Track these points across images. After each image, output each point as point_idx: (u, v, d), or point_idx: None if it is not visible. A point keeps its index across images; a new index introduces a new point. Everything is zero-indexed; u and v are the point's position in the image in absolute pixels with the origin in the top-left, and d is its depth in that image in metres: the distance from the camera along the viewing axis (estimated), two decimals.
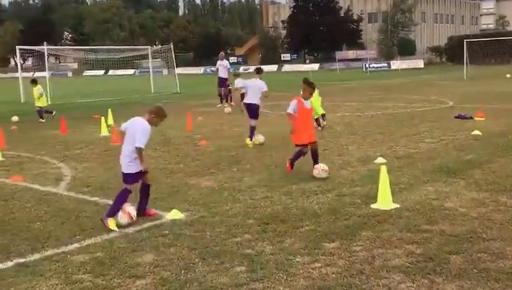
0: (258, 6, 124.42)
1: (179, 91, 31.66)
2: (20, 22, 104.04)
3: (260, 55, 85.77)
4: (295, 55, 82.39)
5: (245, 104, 11.74)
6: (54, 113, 18.44)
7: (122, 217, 5.93)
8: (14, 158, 10.76)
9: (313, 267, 4.57)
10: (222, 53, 23.18)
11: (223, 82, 20.99)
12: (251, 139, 11.38)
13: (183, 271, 4.60)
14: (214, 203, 6.76)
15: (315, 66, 66.42)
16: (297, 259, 4.77)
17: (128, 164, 6.11)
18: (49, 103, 25.12)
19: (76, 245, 5.40)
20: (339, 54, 70.66)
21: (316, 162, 8.10)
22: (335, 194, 6.93)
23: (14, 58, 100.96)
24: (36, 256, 5.13)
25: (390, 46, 73.06)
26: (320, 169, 7.89)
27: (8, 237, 5.72)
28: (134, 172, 6.11)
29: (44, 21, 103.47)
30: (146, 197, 6.36)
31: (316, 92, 13.32)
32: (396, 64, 58.16)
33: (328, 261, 4.69)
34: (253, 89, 11.54)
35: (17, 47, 31.19)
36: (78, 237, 5.67)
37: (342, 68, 60.95)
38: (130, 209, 6.00)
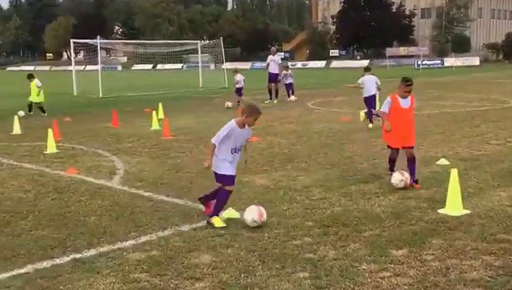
0: (307, 1, 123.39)
1: (226, 86, 31.63)
2: (73, 16, 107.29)
3: (308, 50, 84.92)
4: (344, 51, 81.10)
5: (366, 97, 13.03)
6: (45, 114, 17.38)
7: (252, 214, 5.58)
8: (68, 150, 10.88)
9: (382, 277, 4.25)
10: (274, 48, 22.91)
11: (273, 77, 20.69)
12: (371, 123, 12.77)
13: (242, 274, 4.37)
14: (269, 203, 6.51)
15: (365, 63, 64.99)
16: (363, 266, 4.45)
17: (218, 165, 5.76)
18: (100, 96, 25.68)
19: (131, 242, 5.28)
20: (389, 51, 68.94)
21: (411, 172, 7.01)
22: (398, 197, 6.55)
23: (67, 52, 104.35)
24: (92, 252, 5.04)
25: (443, 42, 70.71)
26: (399, 178, 6.86)
27: (64, 232, 5.67)
28: (221, 173, 5.75)
29: (96, 16, 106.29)
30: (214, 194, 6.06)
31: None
32: (450, 61, 56.19)
33: (397, 271, 4.35)
34: (371, 83, 13.06)
35: (71, 40, 31.90)
36: (133, 233, 5.55)
37: (392, 65, 59.44)
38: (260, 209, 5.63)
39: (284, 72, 21.12)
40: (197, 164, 9.08)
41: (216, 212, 5.75)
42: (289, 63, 29.84)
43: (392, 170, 7.31)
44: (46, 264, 4.76)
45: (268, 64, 21.05)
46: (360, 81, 13.41)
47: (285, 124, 14.10)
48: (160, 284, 4.25)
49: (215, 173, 5.84)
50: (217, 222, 5.66)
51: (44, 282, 4.37)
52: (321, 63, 71.10)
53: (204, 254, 4.88)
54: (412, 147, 7.14)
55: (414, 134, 7.30)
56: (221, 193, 5.81)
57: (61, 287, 4.26)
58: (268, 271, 4.43)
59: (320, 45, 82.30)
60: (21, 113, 17.03)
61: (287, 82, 21.07)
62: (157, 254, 4.93)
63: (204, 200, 6.11)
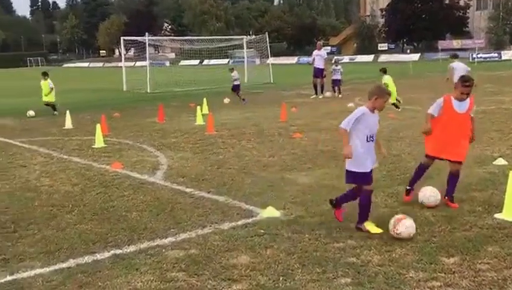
0: None
1: (272, 81, 31.51)
2: (125, 14, 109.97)
3: (355, 45, 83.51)
4: (393, 45, 79.14)
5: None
6: (56, 113, 17.09)
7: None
8: (115, 145, 11.06)
9: (431, 287, 4.00)
10: (320, 42, 22.53)
11: (319, 72, 20.38)
12: None
13: (281, 278, 4.24)
14: (312, 202, 6.35)
15: (415, 56, 63.29)
16: (411, 274, 4.22)
17: (355, 162, 5.21)
18: (148, 91, 26.10)
19: (170, 239, 5.25)
20: (442, 44, 66.72)
21: (450, 190, 5.98)
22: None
23: (118, 49, 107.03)
24: (132, 248, 5.04)
25: (501, 35, 67.69)
26: (428, 195, 5.90)
27: (106, 226, 5.71)
28: (353, 170, 5.23)
29: (147, 13, 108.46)
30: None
31: (390, 78, 15.29)
32: (509, 54, 53.74)
33: (448, 281, 4.09)
34: (462, 70, 13.65)
35: (121, 38, 32.66)
36: (172, 230, 5.53)
37: (444, 58, 57.53)
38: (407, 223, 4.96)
39: (334, 67, 20.74)
40: (239, 160, 9.03)
41: (364, 219, 5.22)
42: (336, 58, 29.29)
43: (413, 183, 6.22)
44: (87, 259, 4.80)
45: (314, 59, 20.73)
46: (454, 65, 14.07)
47: (330, 120, 13.82)
48: (197, 285, 4.19)
49: (350, 172, 5.26)
50: (371, 228, 5.15)
51: (84, 277, 4.40)
52: (369, 57, 69.66)
53: (242, 255, 4.78)
54: (461, 163, 5.99)
55: (467, 146, 6.05)
56: (362, 198, 5.24)
57: (99, 284, 4.27)
58: (308, 275, 4.28)
59: (368, 39, 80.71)
60: (31, 112, 17.07)
61: (334, 78, 20.64)
62: (196, 252, 4.87)
63: (337, 203, 5.52)
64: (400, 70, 39.81)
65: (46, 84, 17.69)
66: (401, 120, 13.19)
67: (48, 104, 17.68)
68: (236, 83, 20.23)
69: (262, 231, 5.38)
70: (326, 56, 21.30)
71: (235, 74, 20.35)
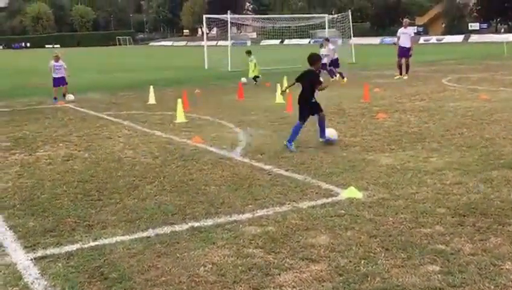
0: None
1: (354, 61, 30.68)
2: None
3: (444, 24, 79.36)
4: (485, 25, 74.44)
5: None
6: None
7: None
8: (195, 120, 11.19)
9: None
10: (406, 20, 21.39)
11: (404, 52, 19.43)
12: None
13: (362, 261, 4.01)
14: (396, 184, 6.01)
15: (510, 36, 59.06)
16: (507, 266, 3.83)
17: None
18: (229, 69, 26.31)
19: (248, 215, 5.16)
20: None
21: None
22: None
23: (201, 28, 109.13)
24: (209, 222, 5.01)
25: None
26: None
27: (185, 199, 5.74)
28: None
29: None
30: None
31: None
32: None
33: None
34: None
35: (204, 16, 33.08)
36: (250, 206, 5.44)
37: None
38: None
39: (331, 47, 19.46)
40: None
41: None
42: (422, 38, 27.84)
43: None
44: (166, 230, 4.82)
45: (399, 38, 19.78)
46: None
47: (415, 101, 13.15)
48: (274, 263, 4.06)
49: None
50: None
51: (162, 248, 4.42)
52: (458, 38, 66.02)
53: (321, 235, 4.59)
54: None
55: None
56: None
57: (177, 255, 4.27)
58: (392, 260, 4.01)
59: (457, 18, 76.44)
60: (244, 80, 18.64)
61: (330, 60, 19.27)
62: (273, 229, 4.75)
63: None
64: (493, 51, 37.29)
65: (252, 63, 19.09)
66: (493, 102, 12.27)
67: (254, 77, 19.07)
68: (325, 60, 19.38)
69: (342, 211, 5.16)
70: (413, 35, 20.26)
71: (326, 49, 19.26)
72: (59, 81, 15.75)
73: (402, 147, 7.96)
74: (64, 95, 15.69)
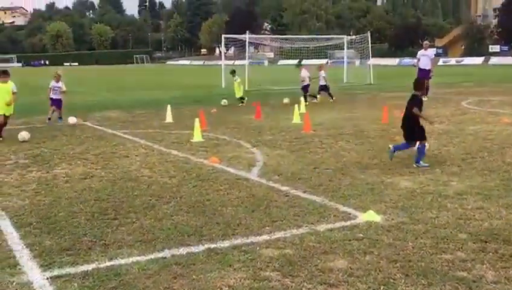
0: None
1: (372, 82, 30.62)
2: (226, 13, 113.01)
3: (463, 46, 79.00)
4: (506, 47, 73.86)
5: None
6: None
7: None
8: (212, 140, 11.20)
9: None
10: (427, 42, 21.27)
11: (425, 74, 19.29)
12: None
13: (382, 287, 3.92)
14: (415, 208, 5.90)
15: None
16: None
17: None
18: (246, 88, 26.42)
19: (265, 237, 5.10)
20: None
21: None
22: None
23: (219, 47, 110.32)
24: (226, 243, 4.95)
25: None
26: None
27: (201, 219, 5.70)
28: None
29: (248, 13, 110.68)
30: None
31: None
32: None
33: None
34: None
35: (222, 36, 33.41)
36: (267, 227, 5.38)
37: None
38: None
39: (321, 72, 19.71)
40: (337, 160, 8.71)
41: None
42: (441, 60, 27.73)
43: None
44: (182, 250, 4.78)
45: (419, 60, 19.69)
46: None
47: (435, 123, 12.99)
48: (291, 286, 3.99)
49: None
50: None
51: (179, 269, 4.37)
52: (478, 60, 65.59)
53: (340, 259, 4.50)
54: None
55: None
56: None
57: (194, 277, 4.22)
58: (412, 287, 3.91)
59: (478, 40, 76.06)
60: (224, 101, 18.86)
61: (321, 83, 19.68)
62: (291, 252, 4.67)
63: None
64: None
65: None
66: None
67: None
68: (305, 83, 19.47)
69: (361, 235, 5.07)
70: (433, 56, 20.16)
71: (304, 72, 19.70)
72: (54, 103, 14.88)
73: (421, 170, 7.85)
74: (60, 118, 14.74)
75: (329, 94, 19.63)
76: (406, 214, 5.69)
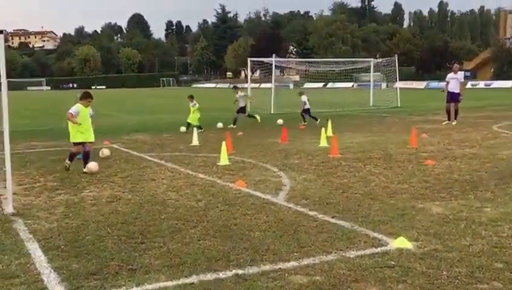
0: (494, 17, 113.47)
1: (399, 105, 30.34)
2: (252, 37, 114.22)
3: (492, 69, 77.89)
4: None
5: None
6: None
7: None
8: (238, 163, 11.17)
9: None
10: (457, 65, 20.98)
11: (454, 97, 19.04)
12: None
13: None
14: (448, 235, 5.72)
15: None
16: None
17: None
18: (272, 112, 26.45)
19: (294, 263, 5.00)
20: None
21: None
22: None
23: (244, 71, 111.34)
24: (254, 269, 4.86)
25: None
26: None
27: (229, 244, 5.63)
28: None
29: (273, 36, 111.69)
30: None
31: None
32: None
33: None
34: None
35: (248, 59, 33.67)
36: (295, 253, 5.27)
37: None
38: None
39: (303, 97, 20.25)
40: (365, 185, 8.57)
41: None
42: (469, 83, 27.36)
43: None
44: (209, 276, 4.71)
45: (448, 83, 19.45)
46: None
47: (465, 148, 12.73)
48: None
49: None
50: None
51: None
52: (508, 83, 64.43)
53: (371, 287, 4.37)
54: None
55: None
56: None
57: None
58: None
59: (507, 64, 74.92)
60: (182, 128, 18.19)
61: (305, 107, 20.21)
62: (320, 280, 4.56)
63: None
64: None
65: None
66: None
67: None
68: (241, 105, 20.31)
69: (392, 262, 4.92)
70: (462, 79, 19.89)
71: (240, 93, 20.52)
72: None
73: (453, 196, 7.65)
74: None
75: (312, 117, 20.28)
76: (438, 241, 5.52)
